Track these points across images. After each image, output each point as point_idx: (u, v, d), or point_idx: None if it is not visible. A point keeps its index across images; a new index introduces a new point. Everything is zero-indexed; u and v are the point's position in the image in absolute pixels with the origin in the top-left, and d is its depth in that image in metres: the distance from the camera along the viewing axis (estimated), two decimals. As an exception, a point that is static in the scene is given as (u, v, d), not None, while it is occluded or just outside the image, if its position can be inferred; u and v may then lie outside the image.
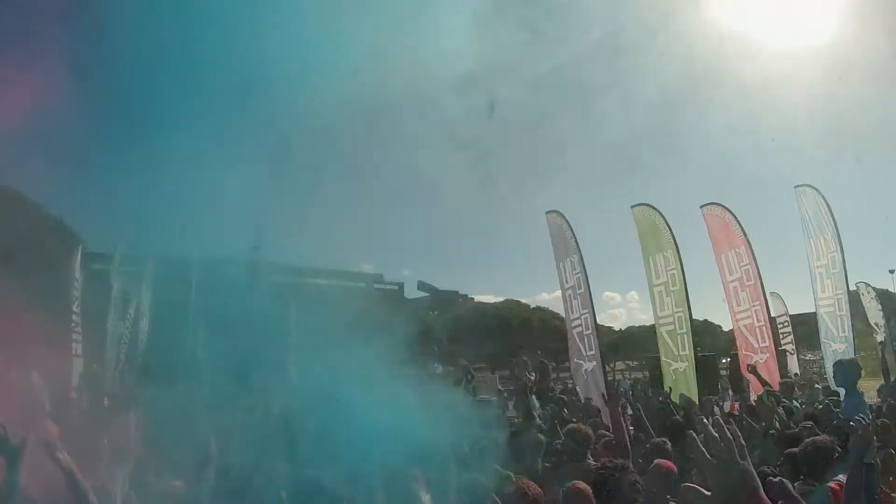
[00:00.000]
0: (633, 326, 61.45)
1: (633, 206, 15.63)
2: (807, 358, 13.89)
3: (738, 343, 15.06)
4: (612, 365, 41.19)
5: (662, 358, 14.91)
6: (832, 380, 10.91)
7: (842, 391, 9.33)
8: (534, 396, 14.01)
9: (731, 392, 16.53)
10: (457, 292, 79.34)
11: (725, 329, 47.61)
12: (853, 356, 12.95)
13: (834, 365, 9.83)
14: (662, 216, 14.87)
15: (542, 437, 7.46)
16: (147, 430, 7.41)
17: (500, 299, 63.74)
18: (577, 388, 15.02)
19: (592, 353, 14.64)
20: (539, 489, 4.88)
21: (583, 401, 13.56)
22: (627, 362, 46.80)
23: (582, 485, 4.95)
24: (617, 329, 62.84)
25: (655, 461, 6.05)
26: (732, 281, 14.84)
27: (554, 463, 7.09)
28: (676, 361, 14.29)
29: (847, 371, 8.85)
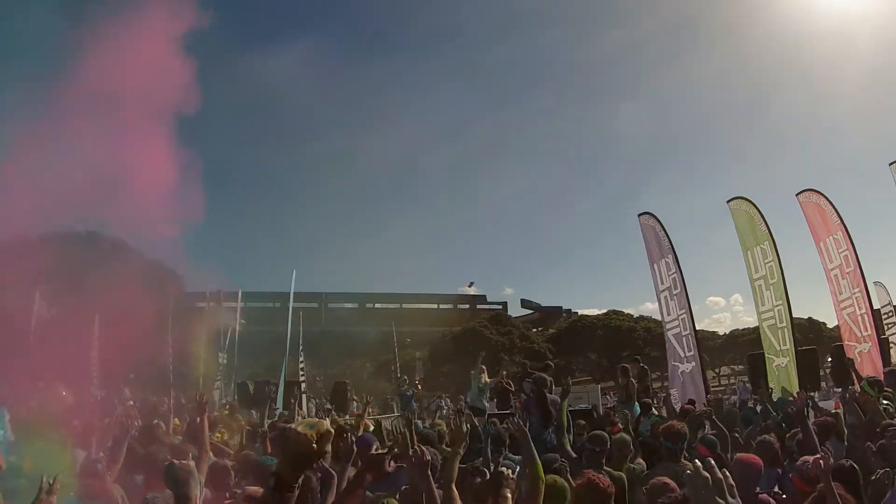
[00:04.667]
0: (737, 329, 59.89)
1: (728, 201, 15.31)
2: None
3: (842, 333, 14.38)
4: (717, 370, 40.11)
5: (766, 354, 14.38)
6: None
7: None
8: (637, 404, 13.79)
9: (835, 389, 15.80)
10: (560, 307, 79.11)
11: (830, 325, 45.90)
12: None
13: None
14: (757, 208, 14.49)
15: (627, 437, 7.45)
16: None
17: (603, 311, 62.71)
18: (673, 391, 14.66)
19: (691, 353, 14.31)
20: (610, 483, 4.76)
21: (677, 406, 13.25)
22: (733, 367, 45.45)
23: (665, 479, 4.91)
24: (721, 333, 61.26)
25: (737, 455, 5.97)
26: (833, 269, 14.18)
27: (651, 462, 6.99)
28: (778, 357, 13.81)
29: None
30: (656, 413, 11.65)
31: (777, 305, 13.84)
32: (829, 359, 18.03)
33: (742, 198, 14.91)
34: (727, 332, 62.47)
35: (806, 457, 5.49)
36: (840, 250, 13.87)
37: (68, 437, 8.59)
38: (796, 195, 15.05)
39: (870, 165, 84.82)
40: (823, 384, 15.65)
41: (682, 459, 6.28)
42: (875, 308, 14.14)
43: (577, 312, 72.56)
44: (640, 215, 15.97)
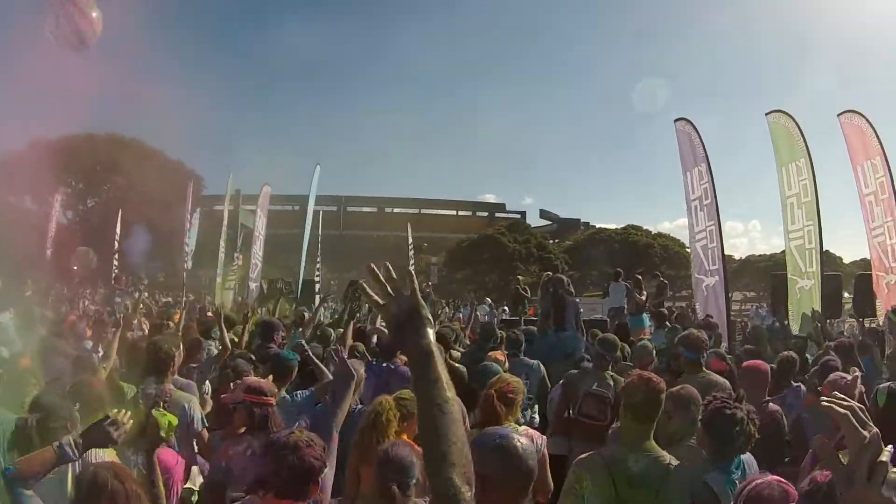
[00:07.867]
0: (753, 255, 59.82)
1: (767, 114, 14.81)
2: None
3: (872, 262, 14.07)
4: (730, 294, 40.06)
5: (789, 275, 14.13)
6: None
7: None
8: (646, 315, 13.71)
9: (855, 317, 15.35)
10: (578, 220, 78.84)
11: (847, 261, 45.51)
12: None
13: None
14: (797, 123, 13.99)
15: (649, 344, 7.91)
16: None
17: (621, 226, 62.32)
18: (696, 304, 14.55)
19: (716, 267, 13.95)
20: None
21: (700, 317, 13.13)
22: (745, 293, 45.26)
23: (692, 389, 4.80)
24: (738, 258, 61.21)
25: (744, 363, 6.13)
26: (868, 195, 13.79)
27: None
28: (803, 279, 13.55)
29: None
30: (670, 325, 11.53)
31: (807, 226, 13.48)
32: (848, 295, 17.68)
33: (782, 111, 14.41)
34: (743, 258, 62.52)
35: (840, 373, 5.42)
36: (877, 176, 13.43)
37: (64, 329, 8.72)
38: (838, 115, 14.54)
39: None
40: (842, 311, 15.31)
41: (704, 370, 6.19)
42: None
43: (594, 226, 72.29)
44: (676, 120, 15.42)
